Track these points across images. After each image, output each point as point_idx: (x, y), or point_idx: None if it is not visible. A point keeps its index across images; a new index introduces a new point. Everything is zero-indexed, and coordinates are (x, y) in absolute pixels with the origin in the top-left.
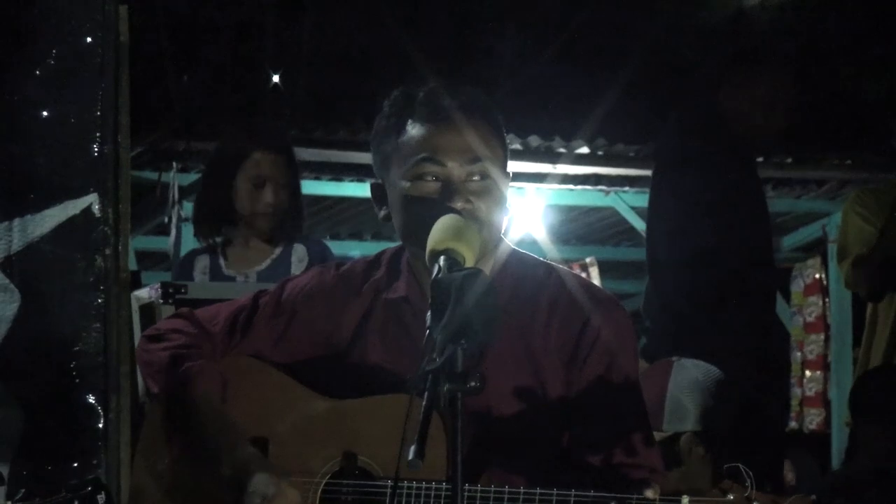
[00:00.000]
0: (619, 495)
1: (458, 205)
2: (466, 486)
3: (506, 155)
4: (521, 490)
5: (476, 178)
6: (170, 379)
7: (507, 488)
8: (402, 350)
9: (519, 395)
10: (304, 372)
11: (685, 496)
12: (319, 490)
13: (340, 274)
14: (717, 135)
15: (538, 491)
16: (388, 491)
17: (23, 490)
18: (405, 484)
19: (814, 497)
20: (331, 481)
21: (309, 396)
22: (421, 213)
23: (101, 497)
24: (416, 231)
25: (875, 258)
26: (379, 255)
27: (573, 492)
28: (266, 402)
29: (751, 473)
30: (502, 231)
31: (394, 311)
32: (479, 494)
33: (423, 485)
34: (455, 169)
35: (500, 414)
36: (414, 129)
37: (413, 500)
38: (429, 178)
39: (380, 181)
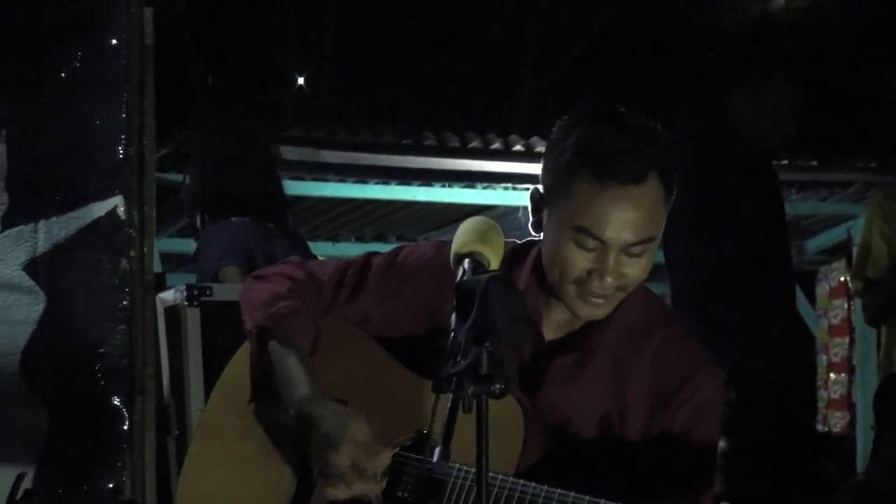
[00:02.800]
0: None
1: (608, 284)
2: (532, 484)
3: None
4: (586, 498)
5: (637, 254)
6: (265, 313)
7: (571, 493)
8: None
9: (599, 419)
10: (400, 342)
11: None
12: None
13: None
14: (724, 139)
15: (602, 501)
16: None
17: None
18: (458, 466)
19: None
20: (399, 453)
21: (395, 369)
22: (563, 268)
23: None
24: (555, 272)
25: (886, 292)
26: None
27: None
28: (352, 367)
29: None
30: None
31: None
32: (542, 494)
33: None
34: (614, 245)
35: (576, 432)
36: (589, 185)
37: (469, 485)
38: (585, 247)
39: (542, 190)
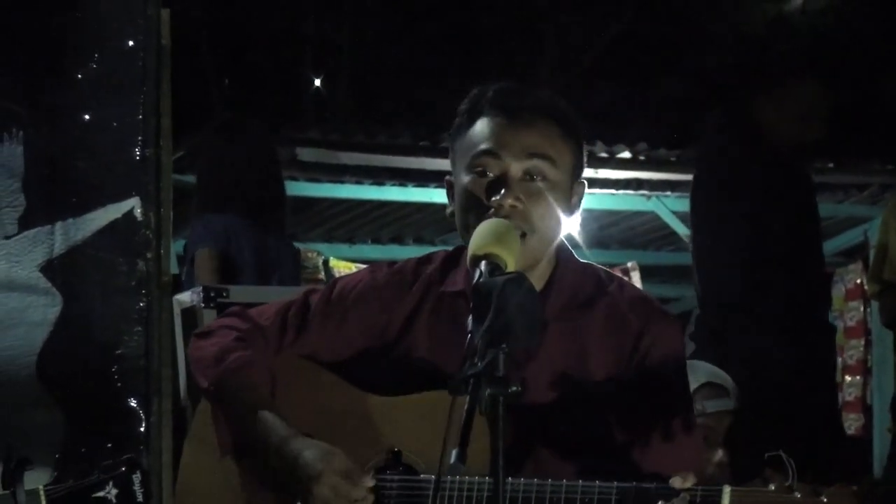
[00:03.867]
0: (660, 486)
1: (508, 202)
2: (509, 480)
3: (576, 162)
4: (564, 483)
5: (533, 177)
6: (218, 370)
7: (549, 482)
8: (453, 344)
9: (565, 391)
10: (355, 369)
11: (726, 486)
12: (363, 471)
13: (393, 271)
14: (753, 144)
15: (580, 483)
16: (432, 487)
17: (55, 473)
18: (448, 479)
19: (855, 487)
20: (374, 476)
21: (355, 394)
22: (472, 208)
23: (136, 477)
24: (468, 227)
25: None
26: (431, 254)
27: (615, 484)
28: (312, 400)
29: (792, 462)
30: (558, 237)
31: (449, 304)
32: (521, 488)
33: (466, 479)
34: (511, 164)
35: (545, 409)
36: (479, 124)
37: (456, 495)
38: (486, 173)
39: (451, 177)
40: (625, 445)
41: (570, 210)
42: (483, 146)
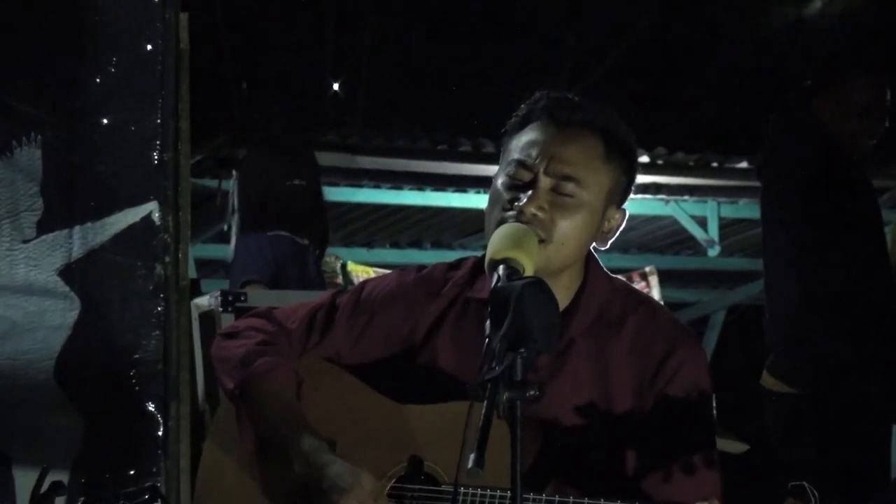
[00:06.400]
0: None
1: (530, 209)
2: (530, 496)
3: (616, 186)
4: (585, 501)
5: (562, 192)
6: (244, 374)
7: (571, 499)
8: (478, 351)
9: (587, 413)
10: (378, 373)
11: None
12: (384, 492)
13: (421, 276)
14: (818, 144)
15: (602, 502)
16: (451, 497)
17: (82, 499)
18: (469, 491)
19: None
20: (395, 485)
21: (379, 400)
22: (498, 207)
23: None
24: (492, 224)
25: None
26: (461, 260)
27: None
28: (336, 404)
29: (816, 493)
30: (576, 255)
31: (475, 311)
32: (544, 501)
33: (488, 492)
34: (542, 174)
35: (567, 429)
36: (528, 130)
37: None
38: (517, 181)
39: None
40: (645, 470)
41: (599, 234)
42: (522, 151)
